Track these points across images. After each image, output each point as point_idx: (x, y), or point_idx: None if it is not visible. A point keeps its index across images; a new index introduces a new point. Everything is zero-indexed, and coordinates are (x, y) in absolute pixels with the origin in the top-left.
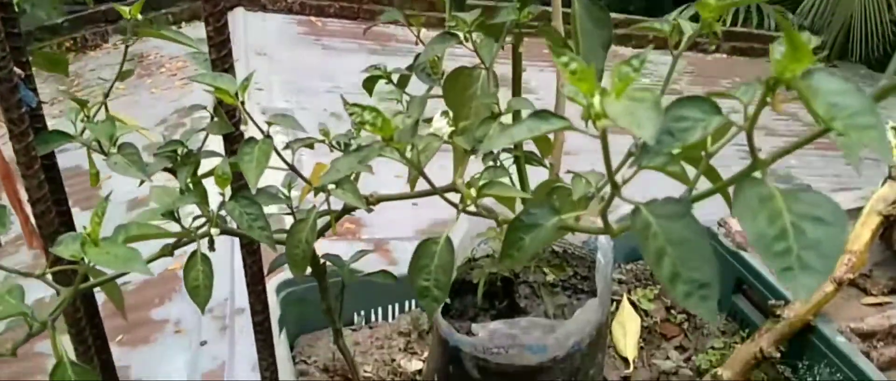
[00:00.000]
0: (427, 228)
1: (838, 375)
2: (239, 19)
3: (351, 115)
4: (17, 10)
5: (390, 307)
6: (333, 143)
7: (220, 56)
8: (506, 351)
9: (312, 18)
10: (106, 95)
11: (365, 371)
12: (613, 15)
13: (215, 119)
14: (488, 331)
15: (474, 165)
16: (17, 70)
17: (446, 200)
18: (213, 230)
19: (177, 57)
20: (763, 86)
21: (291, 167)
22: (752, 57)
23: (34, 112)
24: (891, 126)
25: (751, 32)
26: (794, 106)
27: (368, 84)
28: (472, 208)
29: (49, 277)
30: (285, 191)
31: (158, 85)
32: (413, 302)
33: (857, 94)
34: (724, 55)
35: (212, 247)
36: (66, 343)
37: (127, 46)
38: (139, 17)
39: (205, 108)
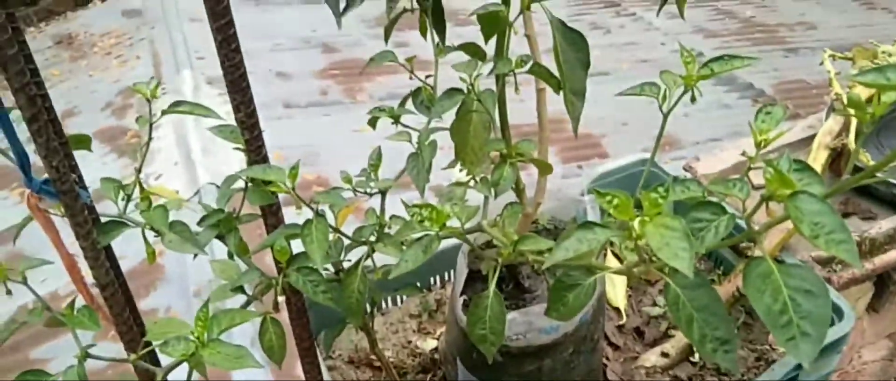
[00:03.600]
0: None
1: None
2: None
3: (412, 216)
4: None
5: (399, 294)
6: (357, 189)
7: (253, 137)
8: (524, 336)
9: None
10: (138, 171)
11: (386, 356)
12: None
13: (251, 187)
14: (507, 321)
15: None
16: (72, 175)
17: (469, 242)
18: (280, 298)
19: (108, 33)
20: (760, 198)
21: (336, 230)
22: None
23: (88, 207)
24: (828, 54)
25: None
26: (731, 4)
27: (372, 123)
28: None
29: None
30: (331, 256)
31: (95, 66)
32: (418, 285)
33: (831, 215)
34: None
35: (277, 309)
36: None
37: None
38: None
39: (239, 178)
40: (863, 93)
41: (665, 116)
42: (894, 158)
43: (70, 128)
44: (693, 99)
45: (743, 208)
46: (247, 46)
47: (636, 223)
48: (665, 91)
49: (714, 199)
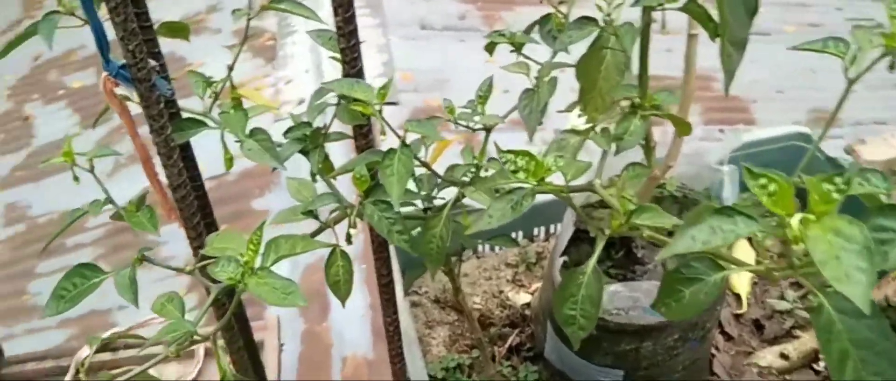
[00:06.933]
0: None
1: None
2: None
3: (505, 162)
4: None
5: (493, 244)
6: (458, 121)
7: (350, 46)
8: (626, 312)
9: None
10: (230, 69)
11: (474, 303)
12: None
13: (342, 103)
14: (609, 293)
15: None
16: (152, 62)
17: (571, 204)
18: (352, 230)
19: None
20: None
21: (426, 165)
22: None
23: (168, 99)
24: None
25: None
26: None
27: (490, 48)
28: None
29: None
30: (420, 190)
31: None
32: (520, 234)
33: None
34: None
35: (349, 241)
36: None
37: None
38: None
39: (330, 90)
40: None
41: (850, 84)
42: None
43: (211, 23)
44: (892, 66)
45: None
46: None
47: (796, 221)
48: (855, 52)
49: None
